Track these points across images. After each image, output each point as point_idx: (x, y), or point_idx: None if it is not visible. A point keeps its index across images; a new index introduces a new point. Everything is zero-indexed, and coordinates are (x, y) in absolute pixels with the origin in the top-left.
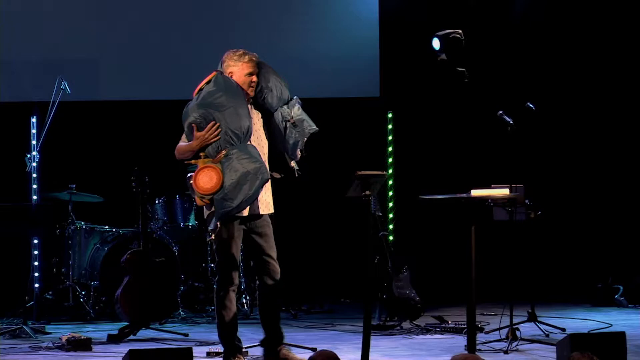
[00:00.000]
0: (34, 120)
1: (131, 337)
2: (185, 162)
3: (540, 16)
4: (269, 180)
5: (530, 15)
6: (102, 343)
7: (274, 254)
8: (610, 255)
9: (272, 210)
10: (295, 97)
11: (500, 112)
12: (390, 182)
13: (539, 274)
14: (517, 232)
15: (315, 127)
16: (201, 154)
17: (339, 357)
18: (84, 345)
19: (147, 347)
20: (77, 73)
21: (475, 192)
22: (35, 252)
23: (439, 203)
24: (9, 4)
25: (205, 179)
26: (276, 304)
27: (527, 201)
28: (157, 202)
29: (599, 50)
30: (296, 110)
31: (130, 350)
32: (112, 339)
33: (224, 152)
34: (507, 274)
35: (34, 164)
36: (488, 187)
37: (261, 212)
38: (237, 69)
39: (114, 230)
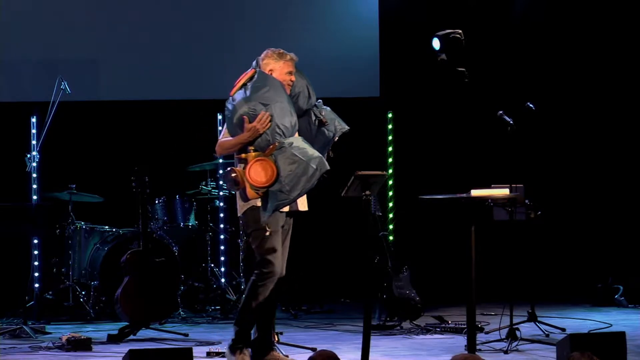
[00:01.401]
0: (34, 120)
1: (131, 337)
2: (236, 155)
3: (540, 16)
4: None
5: (530, 15)
6: (102, 343)
7: (286, 253)
8: (610, 255)
9: (307, 208)
10: (319, 100)
11: (500, 112)
12: (390, 182)
13: (539, 274)
14: (517, 232)
15: (346, 126)
16: (250, 147)
17: (339, 357)
18: (84, 345)
19: (147, 347)
20: (77, 73)
21: (475, 192)
22: (35, 252)
23: (438, 203)
24: (9, 4)
25: (259, 172)
26: (275, 304)
27: (527, 201)
28: (157, 202)
29: (599, 50)
30: (327, 111)
31: (130, 350)
32: (112, 339)
33: (275, 144)
34: (507, 274)
35: (34, 164)
36: (488, 187)
37: (300, 209)
38: (279, 66)
39: (114, 230)
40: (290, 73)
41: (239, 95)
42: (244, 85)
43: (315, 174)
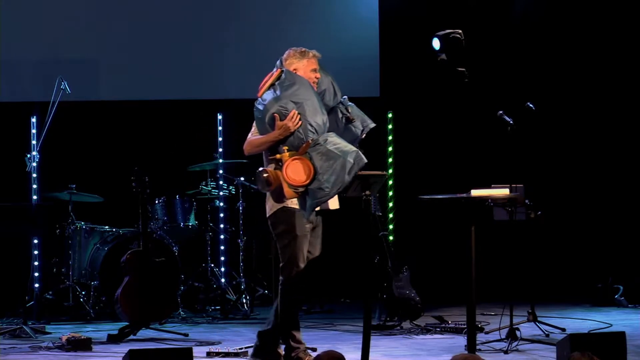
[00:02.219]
0: (34, 120)
1: (131, 337)
2: (270, 157)
3: (540, 16)
4: None
5: (530, 15)
6: (102, 343)
7: (318, 252)
8: (610, 255)
9: (338, 206)
10: (345, 96)
11: (500, 112)
12: (390, 182)
13: (539, 274)
14: (517, 232)
15: (372, 123)
16: (284, 147)
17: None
18: (84, 345)
19: (147, 347)
20: (77, 73)
21: (475, 192)
22: (35, 252)
23: (439, 203)
24: (9, 4)
25: (297, 170)
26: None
27: (527, 201)
28: (157, 202)
29: (599, 50)
30: (353, 107)
31: (130, 350)
32: (112, 339)
33: (308, 142)
34: (507, 274)
35: (34, 164)
36: (488, 187)
37: (330, 207)
38: (302, 65)
39: (114, 230)
40: (314, 70)
41: (268, 95)
42: (272, 85)
43: (353, 168)
